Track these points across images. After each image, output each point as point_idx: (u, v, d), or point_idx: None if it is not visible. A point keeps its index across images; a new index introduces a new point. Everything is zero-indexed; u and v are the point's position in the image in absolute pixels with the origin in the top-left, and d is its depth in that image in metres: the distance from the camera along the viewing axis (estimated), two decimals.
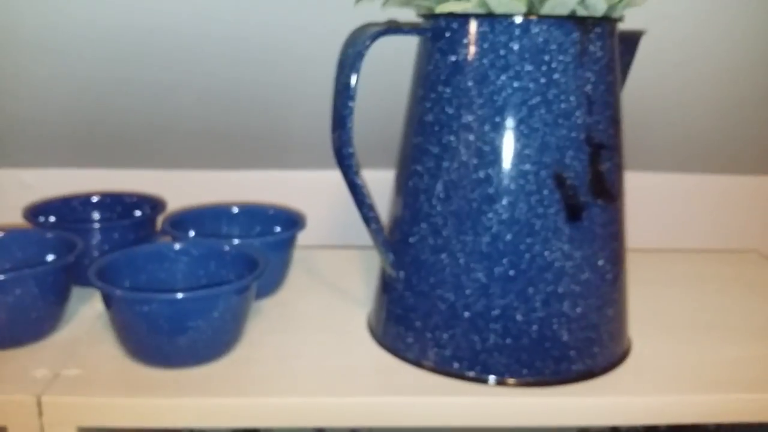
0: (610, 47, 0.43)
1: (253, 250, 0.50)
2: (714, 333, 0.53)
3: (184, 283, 0.52)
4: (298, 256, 0.68)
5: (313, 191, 0.77)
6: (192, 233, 0.59)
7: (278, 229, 0.61)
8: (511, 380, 0.44)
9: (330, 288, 0.61)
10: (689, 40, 0.62)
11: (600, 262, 0.44)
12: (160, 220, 0.62)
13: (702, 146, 0.77)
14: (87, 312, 0.54)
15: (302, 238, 0.66)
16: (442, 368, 0.45)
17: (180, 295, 0.43)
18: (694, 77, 0.67)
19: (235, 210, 0.62)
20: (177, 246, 0.52)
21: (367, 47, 0.42)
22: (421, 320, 0.46)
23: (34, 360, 0.46)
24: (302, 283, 0.62)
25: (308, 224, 0.61)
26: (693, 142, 0.76)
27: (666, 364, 0.48)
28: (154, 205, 0.63)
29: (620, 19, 0.44)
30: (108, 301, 0.45)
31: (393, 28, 0.43)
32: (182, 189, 0.75)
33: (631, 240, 0.80)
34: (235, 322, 0.47)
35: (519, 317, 0.43)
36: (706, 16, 0.60)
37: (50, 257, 0.53)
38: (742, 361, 0.49)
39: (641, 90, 0.67)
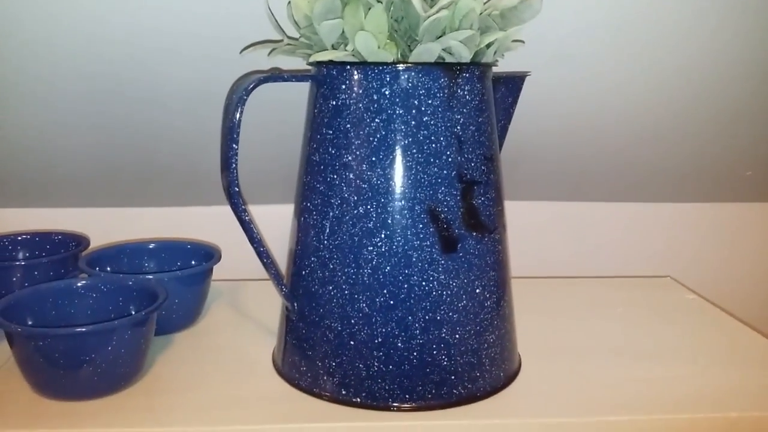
0: (480, 90, 0.46)
1: (156, 284, 0.52)
2: (611, 357, 0.56)
3: (92, 318, 0.53)
4: (221, 288, 0.70)
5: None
6: (109, 269, 0.61)
7: (194, 263, 0.63)
8: (395, 405, 0.46)
9: (246, 320, 0.63)
10: (590, 80, 0.66)
11: (478, 290, 0.47)
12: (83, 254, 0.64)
13: (621, 175, 0.81)
14: (2, 349, 0.56)
15: (229, 271, 0.68)
16: (333, 396, 0.47)
17: (74, 330, 0.45)
18: (603, 110, 0.70)
19: (152, 246, 0.64)
20: (84, 282, 0.54)
21: (248, 93, 0.45)
22: (312, 350, 0.48)
23: None
24: (219, 315, 0.64)
25: (235, 257, 0.63)
26: (608, 172, 0.80)
27: (552, 387, 0.50)
28: (78, 242, 0.65)
29: (491, 64, 0.48)
30: (8, 337, 0.47)
31: (275, 75, 0.46)
32: (114, 226, 0.77)
33: (545, 267, 0.84)
34: (134, 355, 0.49)
35: (400, 344, 0.46)
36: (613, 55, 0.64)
37: None
38: (632, 383, 0.51)
39: (541, 124, 0.70)
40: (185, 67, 0.60)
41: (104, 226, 0.79)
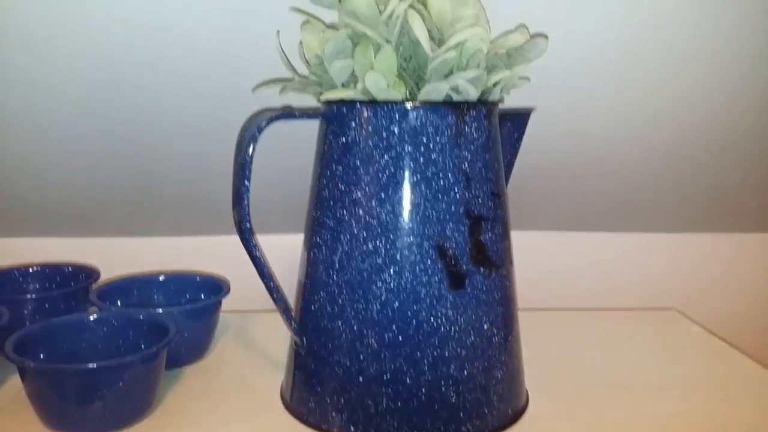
0: (487, 127, 0.47)
1: (167, 318, 0.53)
2: (618, 392, 0.56)
3: (104, 352, 0.54)
4: (229, 320, 0.70)
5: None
6: (119, 302, 0.61)
7: (203, 296, 0.63)
8: None
9: (254, 353, 0.63)
10: (595, 111, 0.67)
11: (486, 326, 0.47)
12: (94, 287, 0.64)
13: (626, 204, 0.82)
14: (14, 381, 0.56)
15: (237, 302, 0.68)
16: None
17: (86, 366, 0.45)
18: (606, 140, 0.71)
19: (162, 278, 0.64)
20: (95, 316, 0.54)
21: (261, 131, 0.46)
22: (321, 385, 0.48)
23: None
24: (228, 348, 0.64)
25: (243, 287, 0.64)
26: (612, 201, 0.80)
27: (560, 424, 0.50)
28: (89, 274, 0.66)
29: (498, 102, 0.48)
30: (21, 372, 0.47)
31: (286, 113, 0.47)
32: (121, 256, 0.78)
33: (548, 299, 0.84)
34: (145, 390, 0.49)
35: (408, 381, 0.46)
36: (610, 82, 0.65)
37: None
38: (640, 420, 0.51)
39: (551, 157, 0.71)
40: (191, 96, 0.61)
41: (112, 256, 0.79)
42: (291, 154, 0.66)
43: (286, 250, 0.73)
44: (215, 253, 0.81)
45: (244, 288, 0.69)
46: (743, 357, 0.63)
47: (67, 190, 0.71)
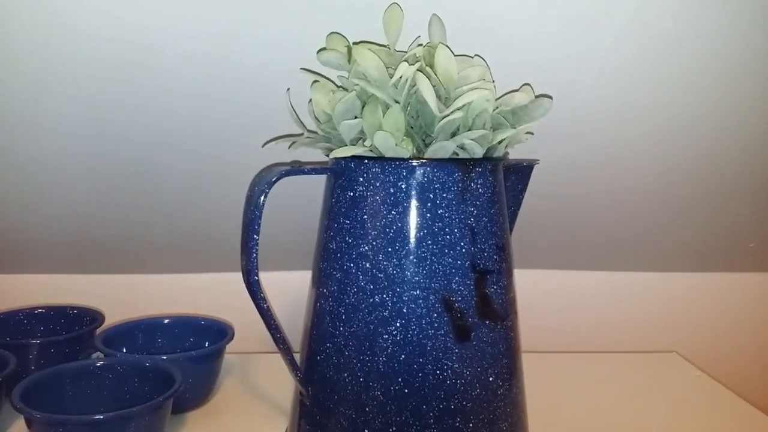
0: (492, 183, 0.48)
1: (173, 366, 0.53)
2: None
3: (109, 399, 0.54)
4: (232, 362, 0.70)
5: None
6: (124, 348, 0.62)
7: (208, 340, 0.63)
8: None
9: (258, 398, 0.63)
10: (597, 156, 0.68)
11: (491, 378, 0.48)
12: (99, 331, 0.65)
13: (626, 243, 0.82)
14: (20, 427, 0.56)
15: (240, 342, 0.68)
16: None
17: (93, 418, 0.45)
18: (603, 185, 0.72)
19: (167, 321, 0.65)
20: (101, 363, 0.54)
21: (270, 186, 0.47)
22: None
23: None
24: (231, 393, 0.64)
25: (246, 327, 0.64)
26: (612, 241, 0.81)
27: None
28: (93, 318, 0.66)
29: (502, 158, 0.50)
30: (27, 422, 0.47)
31: (296, 168, 0.48)
32: (124, 293, 0.79)
33: (549, 343, 0.84)
34: None
35: None
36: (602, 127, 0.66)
37: None
38: None
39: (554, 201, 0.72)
40: (192, 136, 0.63)
41: (114, 293, 0.80)
42: (293, 197, 0.67)
43: (287, 287, 0.74)
44: (217, 291, 0.81)
45: (246, 327, 0.69)
46: (744, 404, 0.64)
47: (64, 228, 0.72)
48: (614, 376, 0.71)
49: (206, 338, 0.64)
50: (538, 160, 0.56)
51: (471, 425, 0.47)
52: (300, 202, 0.67)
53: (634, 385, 0.68)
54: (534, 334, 0.82)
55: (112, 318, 0.68)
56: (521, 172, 0.55)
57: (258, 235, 0.47)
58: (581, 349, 0.80)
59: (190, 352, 0.59)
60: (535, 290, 0.85)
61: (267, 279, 0.58)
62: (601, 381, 0.69)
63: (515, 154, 0.53)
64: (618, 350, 0.80)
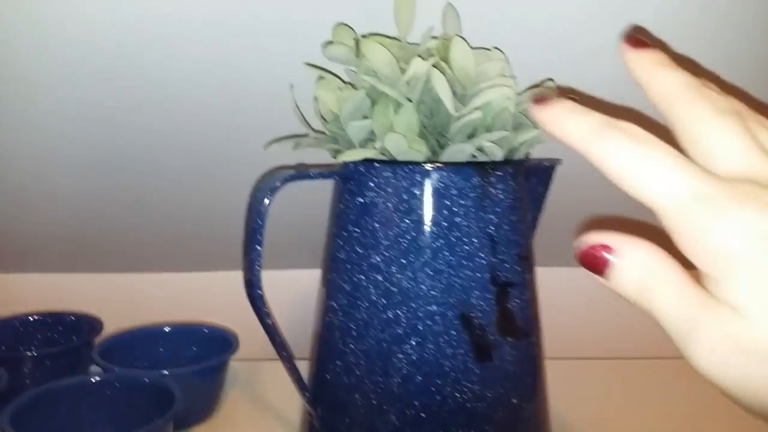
0: (513, 188, 0.44)
1: (172, 381, 0.50)
2: None
3: (107, 417, 0.51)
4: (237, 370, 0.67)
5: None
6: (122, 359, 0.58)
7: (211, 349, 0.60)
8: None
9: (264, 411, 0.60)
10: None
11: (515, 401, 0.44)
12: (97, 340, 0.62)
13: None
14: None
15: (244, 348, 0.65)
16: None
17: None
18: None
19: (167, 330, 0.62)
20: (98, 379, 0.51)
21: (273, 193, 0.43)
22: None
23: None
24: (237, 405, 0.61)
25: (250, 333, 0.61)
26: None
27: None
28: (91, 326, 0.63)
29: (524, 160, 0.46)
30: None
31: (301, 173, 0.44)
32: (123, 292, 0.76)
33: (581, 349, 0.80)
34: None
35: None
36: None
37: None
38: None
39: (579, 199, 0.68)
40: (194, 133, 0.59)
41: (113, 293, 0.77)
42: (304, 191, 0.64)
43: (291, 285, 0.71)
44: (220, 290, 0.78)
45: (250, 330, 0.66)
46: None
47: (63, 225, 0.70)
48: (639, 382, 0.67)
49: (209, 347, 0.61)
50: (560, 159, 0.52)
51: None
52: (307, 197, 0.63)
53: (661, 391, 0.64)
54: (555, 337, 0.79)
55: (111, 318, 0.65)
56: (542, 173, 0.51)
57: (261, 246, 0.43)
58: (606, 355, 0.76)
59: (192, 366, 0.56)
60: (557, 290, 0.81)
61: (272, 278, 0.55)
62: (626, 388, 0.65)
63: (534, 153, 0.49)
64: (649, 356, 0.77)
